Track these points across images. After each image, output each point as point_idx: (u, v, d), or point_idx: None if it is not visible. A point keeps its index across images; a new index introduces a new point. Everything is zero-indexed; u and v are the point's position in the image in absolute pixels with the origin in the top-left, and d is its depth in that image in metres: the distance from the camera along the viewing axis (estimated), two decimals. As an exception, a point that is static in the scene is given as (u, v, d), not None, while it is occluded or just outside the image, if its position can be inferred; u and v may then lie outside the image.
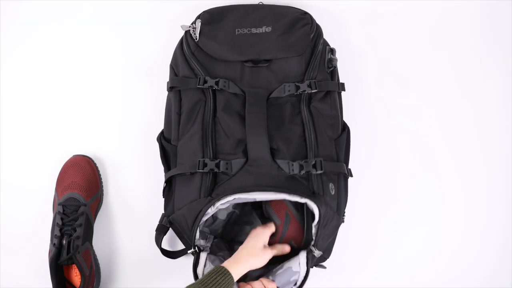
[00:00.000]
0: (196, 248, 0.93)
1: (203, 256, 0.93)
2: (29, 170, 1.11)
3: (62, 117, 1.14)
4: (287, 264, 0.95)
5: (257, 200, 0.92)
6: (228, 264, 0.87)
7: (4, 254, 1.07)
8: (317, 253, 0.93)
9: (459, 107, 1.15)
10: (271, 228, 0.97)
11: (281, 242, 0.99)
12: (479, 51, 1.18)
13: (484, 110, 1.16)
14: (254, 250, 0.92)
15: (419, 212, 1.11)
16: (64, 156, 1.09)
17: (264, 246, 0.94)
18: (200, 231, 0.94)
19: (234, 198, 0.90)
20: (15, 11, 1.17)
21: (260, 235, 0.95)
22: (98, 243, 1.06)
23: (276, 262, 0.97)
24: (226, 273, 0.84)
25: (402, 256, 1.09)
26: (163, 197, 1.01)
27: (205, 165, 0.93)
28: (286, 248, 0.97)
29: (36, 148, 1.12)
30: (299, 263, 0.92)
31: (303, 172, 0.92)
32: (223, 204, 0.91)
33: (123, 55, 1.16)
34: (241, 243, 0.96)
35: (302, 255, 0.93)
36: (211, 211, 0.90)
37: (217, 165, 0.93)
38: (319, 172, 0.92)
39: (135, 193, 1.10)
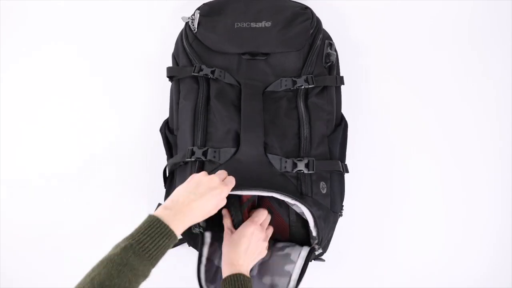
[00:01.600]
0: (201, 229, 0.93)
1: (207, 235, 0.92)
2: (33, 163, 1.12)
3: (67, 110, 1.15)
4: (288, 250, 0.94)
5: (244, 194, 0.90)
6: (171, 214, 0.70)
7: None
8: (318, 252, 0.93)
9: (459, 102, 1.14)
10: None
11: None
12: (478, 46, 1.17)
13: (483, 104, 1.14)
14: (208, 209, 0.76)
15: (419, 209, 1.10)
16: (68, 149, 1.11)
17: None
18: None
19: None
20: (15, 9, 1.18)
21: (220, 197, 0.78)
22: (98, 236, 1.05)
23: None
24: (171, 236, 0.68)
25: (402, 254, 1.08)
26: (165, 188, 1.00)
27: (193, 153, 0.92)
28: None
29: (36, 145, 1.13)
30: (299, 255, 0.91)
31: (295, 170, 0.90)
32: None
33: (127, 46, 1.17)
34: None
35: (305, 249, 0.92)
36: None
37: (204, 153, 0.91)
38: (310, 172, 0.91)
39: (140, 185, 1.10)
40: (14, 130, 1.14)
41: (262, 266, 0.95)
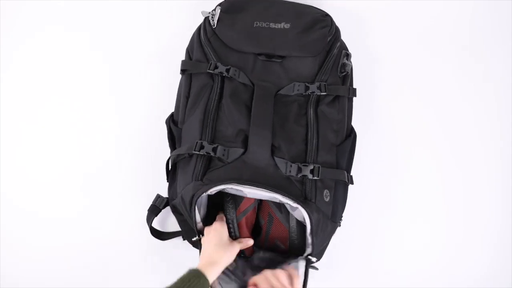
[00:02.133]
0: (200, 235, 0.93)
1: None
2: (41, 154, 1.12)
3: (72, 104, 1.14)
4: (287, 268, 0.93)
5: (248, 196, 0.90)
6: (203, 266, 0.84)
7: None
8: (314, 260, 0.93)
9: (460, 104, 1.14)
10: (224, 219, 0.95)
11: (266, 242, 0.99)
12: (480, 47, 1.17)
13: (484, 104, 1.15)
14: (225, 246, 0.90)
15: (419, 210, 1.10)
16: (72, 144, 1.11)
17: (229, 240, 0.93)
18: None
19: (226, 188, 0.88)
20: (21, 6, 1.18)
21: (220, 229, 0.92)
22: (100, 233, 1.07)
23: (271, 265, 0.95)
24: (201, 277, 0.81)
25: (402, 254, 1.09)
26: (167, 181, 1.01)
27: (202, 147, 0.91)
28: (250, 242, 0.95)
29: (40, 138, 1.13)
30: (298, 273, 0.90)
31: (300, 175, 0.90)
32: (213, 190, 0.89)
33: (137, 40, 1.17)
34: None
35: (302, 265, 0.92)
36: (204, 194, 0.88)
37: (214, 150, 0.91)
38: (315, 178, 0.91)
39: (145, 178, 1.09)
40: (25, 125, 1.13)
41: None
